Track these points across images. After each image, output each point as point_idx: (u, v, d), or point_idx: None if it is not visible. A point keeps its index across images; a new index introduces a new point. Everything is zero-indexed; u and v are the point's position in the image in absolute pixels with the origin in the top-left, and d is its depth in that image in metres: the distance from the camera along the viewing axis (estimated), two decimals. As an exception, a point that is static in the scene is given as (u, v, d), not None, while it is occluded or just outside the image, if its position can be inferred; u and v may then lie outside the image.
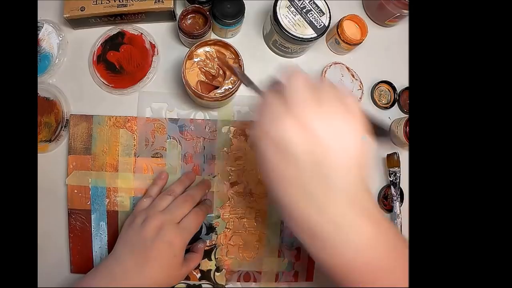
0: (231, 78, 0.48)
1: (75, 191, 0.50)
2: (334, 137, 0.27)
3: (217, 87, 0.47)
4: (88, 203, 0.50)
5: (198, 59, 0.48)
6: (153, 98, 0.52)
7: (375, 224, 0.28)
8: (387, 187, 0.54)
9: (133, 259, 0.40)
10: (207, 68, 0.48)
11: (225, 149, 0.52)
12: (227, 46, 0.47)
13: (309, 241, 0.29)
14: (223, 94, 0.46)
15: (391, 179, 0.52)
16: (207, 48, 0.48)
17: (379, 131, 0.35)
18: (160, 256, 0.41)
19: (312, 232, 0.28)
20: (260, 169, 0.30)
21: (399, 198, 0.53)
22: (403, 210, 0.53)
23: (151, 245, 0.41)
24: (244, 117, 0.53)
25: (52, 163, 0.51)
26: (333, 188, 0.27)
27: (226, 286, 0.52)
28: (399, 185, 0.53)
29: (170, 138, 0.51)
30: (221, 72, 0.48)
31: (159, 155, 0.51)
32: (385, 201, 0.54)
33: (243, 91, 0.50)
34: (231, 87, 0.47)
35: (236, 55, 0.47)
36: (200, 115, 0.53)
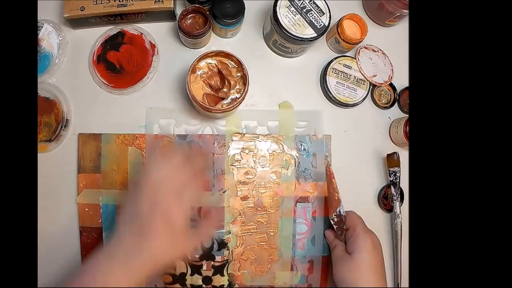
0: (237, 87, 0.47)
1: (86, 209, 0.50)
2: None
3: (223, 98, 0.47)
4: (99, 221, 0.50)
5: (201, 71, 0.48)
6: (160, 114, 0.52)
7: None
8: (387, 187, 0.54)
9: (131, 239, 0.37)
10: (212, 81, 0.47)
11: (234, 163, 0.52)
12: (229, 55, 0.46)
13: None
14: (231, 105, 0.45)
15: (391, 179, 0.52)
16: (209, 60, 0.47)
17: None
18: (159, 232, 0.36)
19: None
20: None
21: (399, 198, 0.53)
22: (403, 210, 0.53)
23: (147, 220, 0.37)
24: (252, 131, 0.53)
25: (52, 163, 0.51)
26: None
27: None
28: (399, 185, 0.53)
29: (179, 154, 0.50)
30: (225, 82, 0.47)
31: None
32: (385, 201, 0.54)
33: (249, 104, 0.50)
34: (237, 96, 0.46)
35: (239, 64, 0.46)
36: (208, 130, 0.52)
